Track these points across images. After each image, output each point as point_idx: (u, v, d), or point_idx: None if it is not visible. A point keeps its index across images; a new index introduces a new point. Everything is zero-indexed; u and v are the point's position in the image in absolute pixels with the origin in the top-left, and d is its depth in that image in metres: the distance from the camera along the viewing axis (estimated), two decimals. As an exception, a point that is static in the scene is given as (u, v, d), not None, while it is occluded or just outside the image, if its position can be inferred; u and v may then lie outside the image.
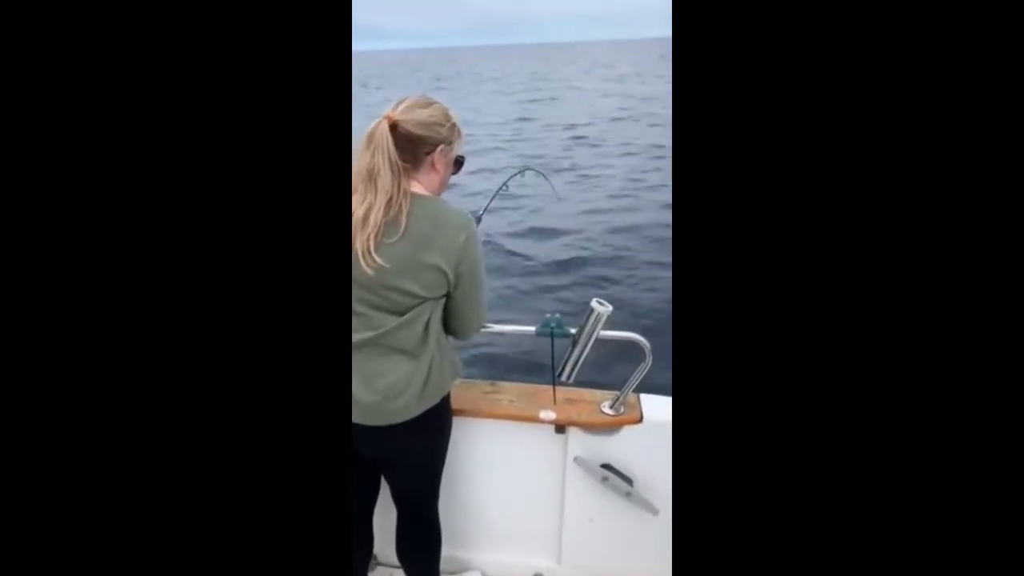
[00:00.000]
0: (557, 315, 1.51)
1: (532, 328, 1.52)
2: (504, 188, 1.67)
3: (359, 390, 1.21)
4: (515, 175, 1.66)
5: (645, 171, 10.04)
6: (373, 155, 1.12)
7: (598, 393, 1.61)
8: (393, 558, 1.51)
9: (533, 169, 1.77)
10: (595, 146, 12.80)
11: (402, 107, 1.17)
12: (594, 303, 1.43)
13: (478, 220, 1.61)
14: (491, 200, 1.65)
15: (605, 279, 5.49)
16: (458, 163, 1.28)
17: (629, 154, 11.71)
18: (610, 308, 1.42)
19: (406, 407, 1.23)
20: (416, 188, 1.18)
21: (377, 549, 1.53)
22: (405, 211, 1.12)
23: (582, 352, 1.47)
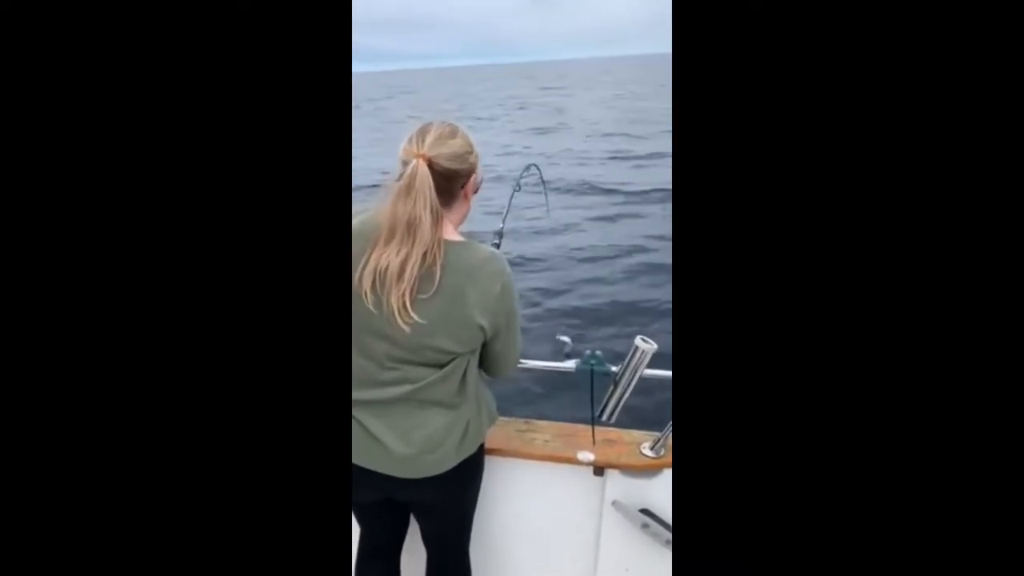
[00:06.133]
0: (598, 352, 1.44)
1: (571, 364, 1.46)
2: (517, 188, 1.61)
3: (394, 443, 1.13)
4: (524, 172, 1.60)
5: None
6: (415, 204, 1.02)
7: (637, 434, 1.53)
8: None
9: (536, 167, 1.70)
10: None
11: (430, 140, 1.05)
12: (638, 340, 1.36)
13: (500, 234, 1.55)
14: (507, 211, 1.59)
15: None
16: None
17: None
18: (655, 346, 1.35)
19: (442, 460, 1.17)
20: (447, 228, 1.09)
21: None
22: (439, 262, 1.04)
23: (625, 391, 1.40)
